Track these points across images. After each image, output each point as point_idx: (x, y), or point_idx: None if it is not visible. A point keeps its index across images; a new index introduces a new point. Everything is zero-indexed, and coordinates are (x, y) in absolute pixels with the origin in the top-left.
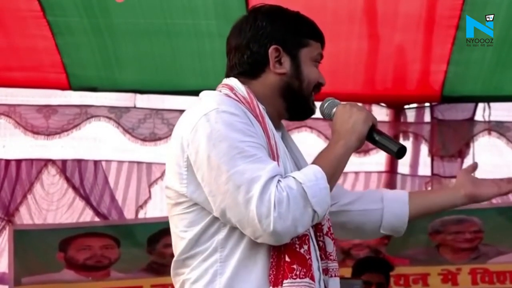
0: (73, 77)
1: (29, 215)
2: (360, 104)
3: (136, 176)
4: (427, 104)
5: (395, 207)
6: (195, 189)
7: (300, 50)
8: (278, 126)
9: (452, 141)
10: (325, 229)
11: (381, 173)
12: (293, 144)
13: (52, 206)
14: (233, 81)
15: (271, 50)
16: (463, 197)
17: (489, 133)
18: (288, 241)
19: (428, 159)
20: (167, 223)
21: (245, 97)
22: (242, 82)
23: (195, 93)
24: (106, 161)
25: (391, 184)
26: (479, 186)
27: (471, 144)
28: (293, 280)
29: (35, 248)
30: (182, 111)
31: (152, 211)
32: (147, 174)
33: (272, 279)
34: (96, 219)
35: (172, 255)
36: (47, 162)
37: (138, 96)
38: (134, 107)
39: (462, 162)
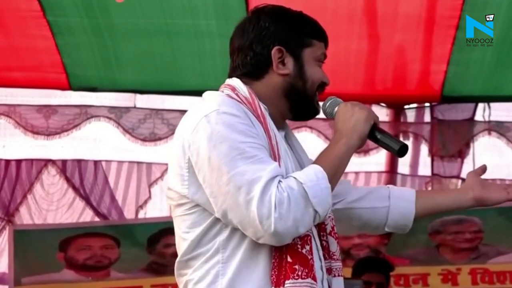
0: (73, 77)
1: (29, 215)
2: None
3: (136, 176)
4: (427, 104)
5: (401, 205)
6: (196, 190)
7: (303, 50)
8: (281, 126)
9: (452, 141)
10: (329, 228)
11: (381, 173)
12: (297, 144)
13: (52, 206)
14: (235, 82)
15: (274, 51)
16: (471, 200)
17: (489, 133)
18: (289, 242)
19: (428, 159)
20: (167, 223)
21: (247, 97)
22: (245, 83)
23: (195, 93)
24: (106, 161)
25: (391, 184)
26: (488, 190)
27: (471, 144)
28: (295, 281)
29: (35, 248)
30: (182, 111)
31: (152, 211)
32: (147, 174)
33: (274, 280)
34: (96, 219)
35: (172, 255)
36: (47, 162)
37: (138, 96)
38: (134, 107)
39: (462, 162)
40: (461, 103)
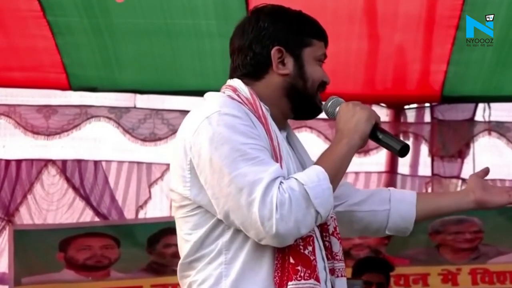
0: (73, 77)
1: (29, 215)
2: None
3: (136, 176)
4: (427, 104)
5: (402, 208)
6: (198, 191)
7: (303, 49)
8: (283, 127)
9: (452, 141)
10: (331, 229)
11: (381, 173)
12: (299, 144)
13: (52, 206)
14: (236, 82)
15: (273, 51)
16: (472, 202)
17: (489, 133)
18: (291, 243)
19: (428, 159)
20: (167, 223)
21: (248, 98)
22: (246, 83)
23: (195, 93)
24: (106, 161)
25: (391, 184)
26: (489, 193)
27: (471, 145)
28: (298, 282)
29: (35, 248)
30: (182, 111)
31: (152, 211)
32: (147, 174)
33: (277, 281)
34: (96, 219)
35: (172, 255)
36: (47, 162)
37: (138, 96)
38: (134, 107)
39: (462, 162)
40: (461, 103)
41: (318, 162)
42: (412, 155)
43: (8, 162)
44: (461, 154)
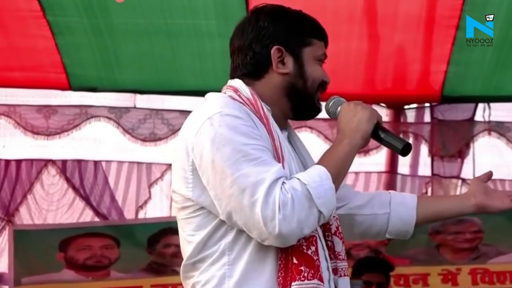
0: (73, 77)
1: (29, 215)
2: None
3: (136, 176)
4: (427, 104)
5: (402, 211)
6: (200, 193)
7: (303, 49)
8: (284, 127)
9: (452, 141)
10: (333, 228)
11: (381, 173)
12: (300, 144)
13: (52, 206)
14: (237, 83)
15: (273, 50)
16: (473, 207)
17: (489, 134)
18: (294, 243)
19: (428, 159)
20: (167, 223)
21: (249, 98)
22: (246, 83)
23: (195, 93)
24: (106, 161)
25: (391, 184)
26: (491, 197)
27: (471, 145)
28: (301, 282)
29: (35, 248)
30: (182, 111)
31: (152, 211)
32: (147, 174)
33: (281, 281)
34: (96, 219)
35: (172, 255)
36: (47, 162)
37: (138, 96)
38: (134, 107)
39: (462, 162)
40: (461, 103)
41: (320, 162)
42: (412, 155)
43: (8, 162)
44: (461, 154)
